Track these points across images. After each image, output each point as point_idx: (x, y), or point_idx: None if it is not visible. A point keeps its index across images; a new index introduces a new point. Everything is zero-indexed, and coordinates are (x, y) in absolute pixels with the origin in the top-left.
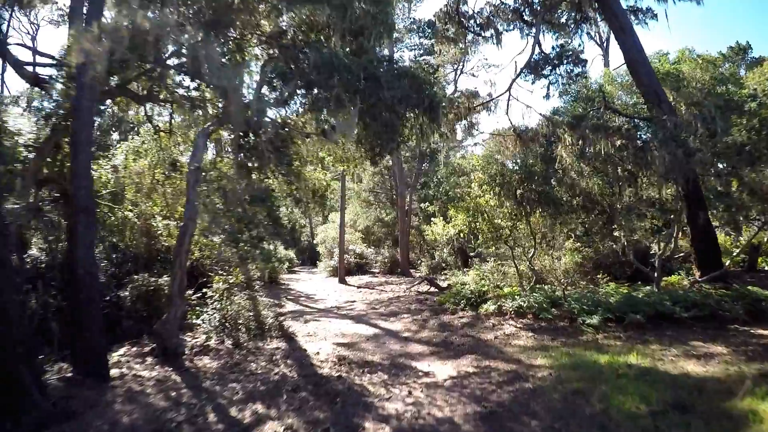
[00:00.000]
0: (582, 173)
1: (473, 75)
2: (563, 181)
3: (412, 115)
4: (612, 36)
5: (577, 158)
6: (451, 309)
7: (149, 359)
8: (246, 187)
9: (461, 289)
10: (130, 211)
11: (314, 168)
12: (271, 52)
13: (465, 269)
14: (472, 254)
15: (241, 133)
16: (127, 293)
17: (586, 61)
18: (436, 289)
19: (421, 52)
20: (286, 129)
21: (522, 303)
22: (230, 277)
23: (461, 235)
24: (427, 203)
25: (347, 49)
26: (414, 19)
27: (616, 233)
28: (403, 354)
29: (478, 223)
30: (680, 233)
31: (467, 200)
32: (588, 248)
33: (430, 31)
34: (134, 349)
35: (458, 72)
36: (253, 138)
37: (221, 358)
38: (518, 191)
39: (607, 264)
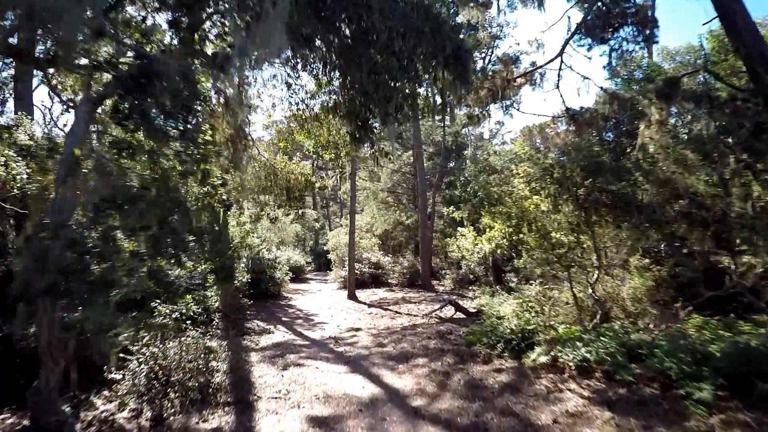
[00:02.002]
0: (686, 164)
1: None
2: (651, 176)
3: (426, 66)
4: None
5: (673, 142)
6: (483, 354)
7: None
8: (110, 182)
9: (497, 325)
10: None
11: (288, 157)
12: None
13: (498, 286)
14: (507, 268)
15: (120, 92)
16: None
17: (656, 20)
18: (463, 315)
19: None
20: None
21: (587, 354)
22: (180, 305)
23: (498, 251)
24: (452, 208)
25: None
26: None
27: (747, 257)
28: None
29: (522, 235)
30: None
31: (507, 203)
32: (661, 267)
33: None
34: (10, 422)
35: (487, 60)
36: (136, 96)
37: None
38: (579, 191)
39: (683, 287)
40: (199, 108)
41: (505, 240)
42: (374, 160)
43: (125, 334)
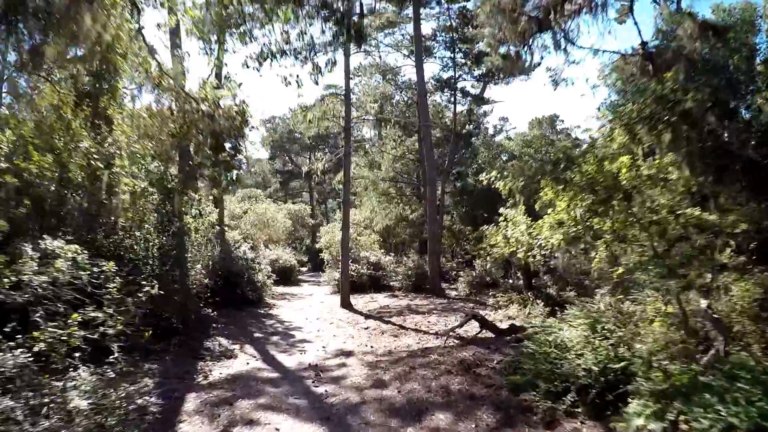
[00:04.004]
0: None
1: None
2: None
3: None
4: None
5: None
6: (542, 409)
7: None
8: None
9: (559, 358)
10: None
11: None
12: None
13: (530, 293)
14: (540, 268)
15: None
16: None
17: None
18: (491, 333)
19: None
20: None
21: (732, 418)
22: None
23: (562, 243)
24: (493, 173)
25: None
26: None
27: None
28: None
29: (612, 218)
30: None
31: (586, 165)
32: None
33: None
34: None
35: None
36: None
37: None
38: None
39: None
40: None
41: (579, 226)
42: (404, 158)
43: None
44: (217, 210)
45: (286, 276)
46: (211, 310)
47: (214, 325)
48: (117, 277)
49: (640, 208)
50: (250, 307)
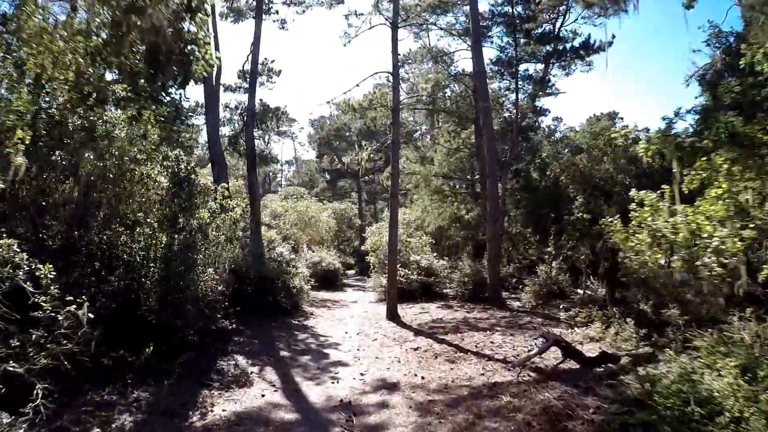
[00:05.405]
0: None
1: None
2: None
3: None
4: None
5: None
6: None
7: None
8: None
9: (704, 421)
10: None
11: None
12: None
13: (615, 309)
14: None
15: None
16: None
17: None
18: (577, 363)
19: None
20: None
21: None
22: None
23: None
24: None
25: None
26: None
27: None
28: None
29: None
30: None
31: None
32: None
33: None
34: None
35: None
36: None
37: None
38: None
39: None
40: None
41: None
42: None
43: None
44: (245, 204)
45: (329, 280)
46: (228, 323)
47: (236, 338)
48: (53, 287)
49: None
50: (283, 317)
